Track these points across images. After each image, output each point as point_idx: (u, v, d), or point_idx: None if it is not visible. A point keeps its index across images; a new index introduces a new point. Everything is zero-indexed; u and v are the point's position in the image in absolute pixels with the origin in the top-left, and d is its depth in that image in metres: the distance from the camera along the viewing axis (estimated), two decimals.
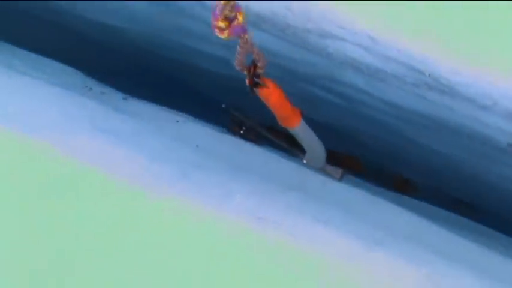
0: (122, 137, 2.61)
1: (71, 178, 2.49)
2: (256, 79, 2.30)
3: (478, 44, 2.17)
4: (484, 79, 2.19)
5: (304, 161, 2.81)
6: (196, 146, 2.80)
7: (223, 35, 2.03)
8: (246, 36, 2.15)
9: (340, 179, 2.91)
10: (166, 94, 3.76)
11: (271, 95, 2.33)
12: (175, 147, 2.71)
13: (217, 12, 2.00)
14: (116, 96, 3.17)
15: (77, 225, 2.44)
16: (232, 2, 2.01)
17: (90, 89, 3.07)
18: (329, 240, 2.42)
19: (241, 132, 3.11)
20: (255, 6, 2.45)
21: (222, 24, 1.99)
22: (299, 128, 2.51)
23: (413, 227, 2.79)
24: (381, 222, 2.65)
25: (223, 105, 3.18)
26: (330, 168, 2.87)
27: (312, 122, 2.72)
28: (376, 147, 3.60)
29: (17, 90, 2.73)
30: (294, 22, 2.42)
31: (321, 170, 2.87)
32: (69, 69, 3.28)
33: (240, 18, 2.02)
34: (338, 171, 2.88)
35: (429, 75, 2.28)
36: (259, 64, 2.27)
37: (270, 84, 2.31)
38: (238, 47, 2.17)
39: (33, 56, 3.39)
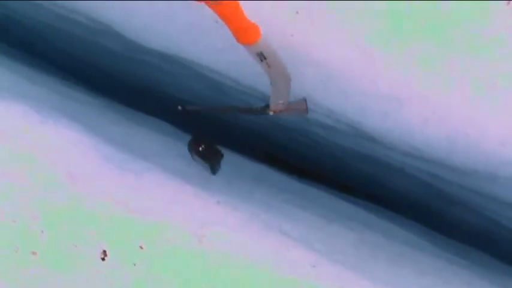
0: None
1: None
2: None
3: None
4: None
5: (271, 112, 2.43)
6: None
7: None
8: None
9: (307, 112, 2.51)
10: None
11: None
12: None
13: None
14: None
15: None
16: None
17: None
18: None
19: (201, 149, 2.78)
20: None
21: None
22: (261, 44, 2.00)
23: None
24: None
25: (179, 107, 2.68)
26: (294, 104, 2.43)
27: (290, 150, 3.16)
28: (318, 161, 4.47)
29: None
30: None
31: (286, 109, 2.41)
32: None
33: None
34: (302, 103, 2.44)
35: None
36: None
37: None
38: None
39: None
